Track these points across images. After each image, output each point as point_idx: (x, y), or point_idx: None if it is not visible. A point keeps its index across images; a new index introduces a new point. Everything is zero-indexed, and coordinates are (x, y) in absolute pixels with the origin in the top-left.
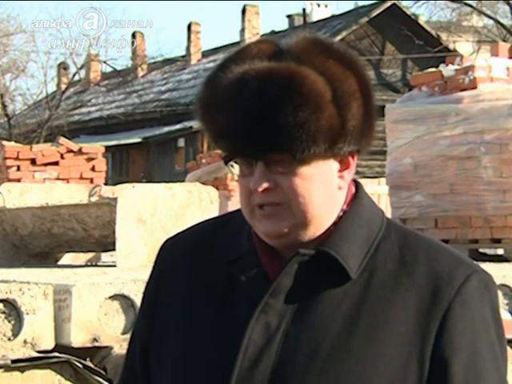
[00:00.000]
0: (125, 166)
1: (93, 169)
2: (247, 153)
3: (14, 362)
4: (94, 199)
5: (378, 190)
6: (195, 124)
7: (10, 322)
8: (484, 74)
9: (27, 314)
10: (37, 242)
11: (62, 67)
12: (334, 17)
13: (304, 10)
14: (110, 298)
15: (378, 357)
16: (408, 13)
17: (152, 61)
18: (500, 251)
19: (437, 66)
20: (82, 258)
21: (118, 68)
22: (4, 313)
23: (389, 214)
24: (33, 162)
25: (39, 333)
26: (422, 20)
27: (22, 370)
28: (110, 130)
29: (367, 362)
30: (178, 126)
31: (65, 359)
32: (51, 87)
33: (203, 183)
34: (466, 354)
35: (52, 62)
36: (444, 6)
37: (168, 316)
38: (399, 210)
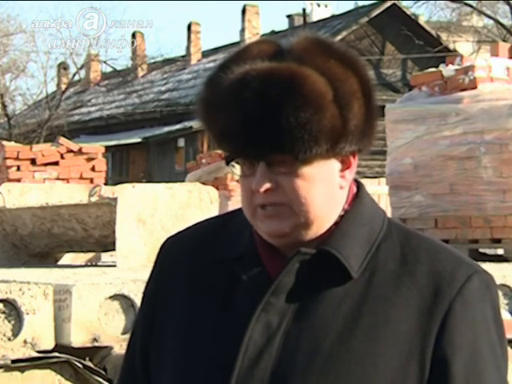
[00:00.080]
0: (125, 166)
1: (93, 169)
2: (249, 153)
3: (14, 361)
4: (94, 199)
5: (378, 190)
6: (195, 124)
7: (10, 321)
8: (484, 74)
9: (27, 314)
10: (37, 242)
11: (62, 67)
12: (334, 17)
13: (304, 10)
14: (110, 298)
15: (379, 356)
16: (408, 13)
17: (152, 61)
18: (500, 251)
19: (437, 66)
20: (82, 258)
21: (118, 68)
22: (4, 313)
23: (389, 214)
24: (33, 161)
25: (39, 333)
26: (422, 20)
27: (21, 370)
28: (110, 129)
29: (367, 362)
30: (177, 126)
31: (65, 359)
32: (51, 87)
33: (203, 183)
34: (467, 354)
35: (52, 62)
36: (444, 5)
37: (168, 316)
38: (399, 210)
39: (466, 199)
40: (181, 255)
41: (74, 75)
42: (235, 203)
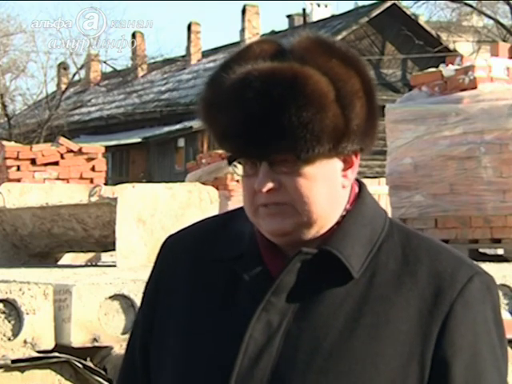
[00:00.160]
0: (125, 166)
1: (93, 169)
2: (251, 153)
3: (14, 361)
4: (94, 199)
5: (378, 190)
6: (195, 124)
7: (10, 321)
8: (484, 74)
9: (27, 314)
10: (37, 241)
11: (62, 67)
12: (333, 17)
13: (304, 10)
14: (110, 298)
15: (379, 356)
16: (408, 13)
17: (152, 61)
18: (500, 251)
19: (437, 66)
20: (82, 258)
21: (118, 68)
22: (4, 313)
23: (389, 214)
24: (33, 161)
25: (39, 333)
26: (422, 20)
27: (22, 370)
28: (110, 129)
29: (368, 362)
30: (177, 126)
31: (65, 359)
32: (51, 87)
33: (203, 183)
34: (467, 355)
35: (52, 62)
36: (444, 5)
37: (168, 316)
38: (399, 210)
39: (465, 199)
40: (182, 253)
41: (74, 75)
42: (235, 203)
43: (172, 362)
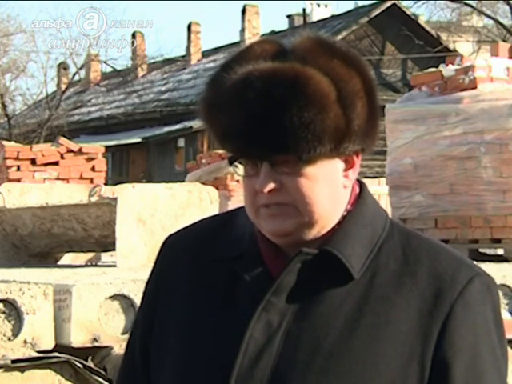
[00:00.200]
0: (125, 166)
1: (93, 169)
2: (252, 153)
3: (14, 361)
4: (94, 199)
5: (378, 190)
6: (195, 124)
7: (10, 321)
8: (484, 74)
9: (27, 314)
10: (37, 241)
11: (62, 67)
12: (334, 17)
13: (304, 10)
14: (110, 298)
15: (379, 356)
16: (408, 13)
17: (152, 61)
18: (500, 251)
19: (437, 66)
20: (82, 258)
21: (118, 68)
22: (4, 313)
23: (389, 214)
24: (33, 161)
25: (39, 333)
26: (422, 20)
27: (22, 370)
28: (110, 129)
29: (368, 362)
30: (177, 126)
31: (65, 359)
32: (51, 87)
33: (203, 183)
34: (467, 356)
35: (52, 62)
36: (444, 5)
37: (168, 315)
38: (399, 210)
39: (465, 199)
40: (183, 252)
41: (74, 75)
42: (235, 203)
43: (172, 361)
